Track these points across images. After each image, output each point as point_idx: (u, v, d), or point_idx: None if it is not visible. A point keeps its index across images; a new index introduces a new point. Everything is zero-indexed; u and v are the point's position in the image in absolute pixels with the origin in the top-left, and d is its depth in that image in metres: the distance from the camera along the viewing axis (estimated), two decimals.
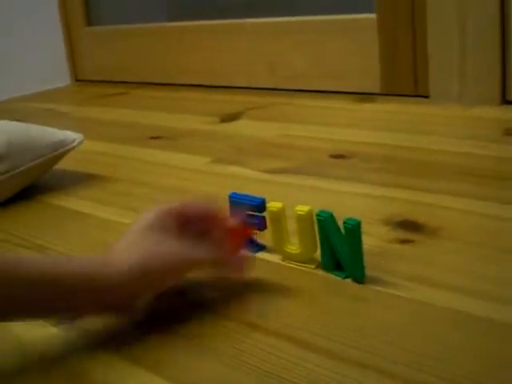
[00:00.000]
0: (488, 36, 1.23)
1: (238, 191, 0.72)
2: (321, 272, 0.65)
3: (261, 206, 0.68)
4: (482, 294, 0.58)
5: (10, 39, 1.91)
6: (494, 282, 0.60)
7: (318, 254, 0.66)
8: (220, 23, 1.71)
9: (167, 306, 0.62)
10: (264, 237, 0.70)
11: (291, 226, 0.66)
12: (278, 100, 1.50)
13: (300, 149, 1.10)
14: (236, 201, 0.71)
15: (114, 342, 0.57)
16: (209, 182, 0.98)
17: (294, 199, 0.68)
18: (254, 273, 0.64)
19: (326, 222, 0.63)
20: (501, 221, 0.74)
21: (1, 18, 1.91)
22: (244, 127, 1.30)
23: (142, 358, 0.54)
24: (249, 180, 0.96)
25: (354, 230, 0.60)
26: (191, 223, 0.62)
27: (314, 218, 0.64)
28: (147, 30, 1.88)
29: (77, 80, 2.10)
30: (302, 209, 0.64)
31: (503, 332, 0.52)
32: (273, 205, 0.67)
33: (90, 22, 2.04)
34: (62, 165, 1.05)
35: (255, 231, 0.69)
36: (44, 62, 2.00)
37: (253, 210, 0.69)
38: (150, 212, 0.61)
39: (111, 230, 0.82)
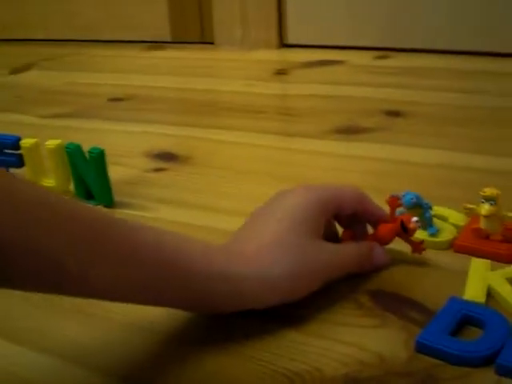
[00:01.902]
0: None
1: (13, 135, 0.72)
2: None
3: (15, 143, 0.70)
4: (219, 209, 0.64)
5: None
6: (230, 199, 0.66)
7: (73, 185, 0.69)
8: None
9: None
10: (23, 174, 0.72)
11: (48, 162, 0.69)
12: (71, 51, 1.50)
13: (81, 95, 1.12)
14: None
15: None
16: None
17: (66, 140, 0.69)
18: None
19: (73, 153, 0.66)
20: (252, 147, 0.81)
21: None
22: (32, 78, 1.29)
23: None
24: (26, 125, 0.97)
25: (97, 158, 0.64)
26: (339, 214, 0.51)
27: (64, 151, 0.67)
28: None
29: None
30: (52, 143, 0.67)
31: None
32: (26, 141, 0.69)
33: None
34: None
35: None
36: None
37: (8, 147, 0.71)
38: (305, 198, 0.47)
39: None
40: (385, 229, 0.50)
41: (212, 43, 1.39)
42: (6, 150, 0.71)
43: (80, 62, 1.40)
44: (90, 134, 0.90)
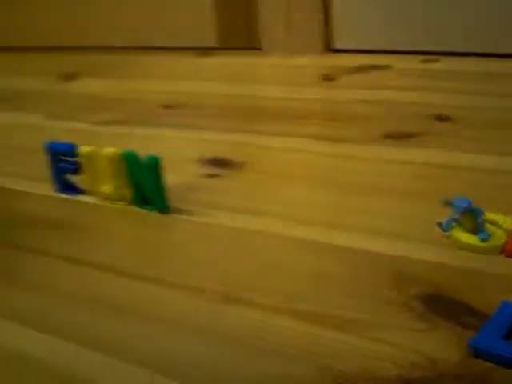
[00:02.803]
0: None
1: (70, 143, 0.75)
2: (132, 208, 0.71)
3: (72, 150, 0.73)
4: (274, 215, 0.66)
5: None
6: (285, 205, 0.68)
7: (129, 191, 0.71)
8: None
9: None
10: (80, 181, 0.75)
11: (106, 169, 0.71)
12: (119, 58, 1.53)
13: (133, 102, 1.15)
14: (51, 149, 0.75)
15: None
16: (40, 136, 1.01)
17: (121, 147, 0.72)
18: (72, 213, 0.69)
19: (130, 160, 0.68)
20: (306, 154, 0.82)
21: None
22: (83, 85, 1.33)
23: None
24: (80, 132, 1.00)
25: (153, 165, 0.66)
26: None
27: (121, 158, 0.69)
28: None
29: None
30: (109, 150, 0.70)
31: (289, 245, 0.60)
32: (83, 149, 0.72)
33: None
34: None
35: None
36: None
37: (66, 155, 0.73)
38: None
39: None
40: None
41: (259, 49, 1.41)
42: (64, 157, 0.74)
43: (129, 69, 1.43)
44: (143, 141, 0.93)
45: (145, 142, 0.92)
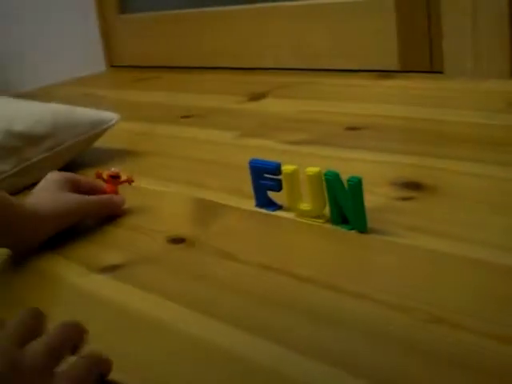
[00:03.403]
0: (499, 14, 1.30)
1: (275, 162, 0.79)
2: (330, 226, 0.74)
3: (277, 169, 0.77)
4: (467, 239, 0.67)
5: (49, 29, 2.02)
6: (483, 230, 0.68)
7: (327, 210, 0.75)
8: (248, 7, 1.79)
9: None
10: (280, 197, 0.79)
11: (304, 187, 0.75)
12: (301, 79, 1.58)
13: (318, 122, 1.19)
14: (255, 166, 0.80)
15: None
16: (236, 153, 1.07)
17: (310, 166, 0.75)
18: (271, 229, 0.74)
19: (332, 180, 0.71)
20: (497, 180, 0.82)
21: (39, 8, 2.01)
22: (269, 105, 1.39)
23: None
24: (272, 150, 1.05)
25: (355, 186, 0.69)
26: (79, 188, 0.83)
27: (323, 178, 0.73)
28: (176, 16, 1.97)
29: (111, 66, 2.21)
30: (312, 170, 0.73)
31: (484, 270, 0.61)
32: (287, 168, 0.76)
33: (123, 9, 2.14)
34: (100, 143, 1.14)
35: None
36: (81, 49, 2.11)
37: (270, 173, 0.78)
38: (51, 175, 0.82)
39: (147, 196, 0.92)
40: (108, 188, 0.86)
41: (441, 72, 1.41)
42: (266, 175, 0.79)
43: (311, 91, 1.47)
44: (332, 162, 0.95)
45: (333, 162, 0.94)
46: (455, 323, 0.53)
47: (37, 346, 0.45)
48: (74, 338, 0.49)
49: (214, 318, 0.59)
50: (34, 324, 0.48)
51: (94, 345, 0.50)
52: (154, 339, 0.57)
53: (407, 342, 0.52)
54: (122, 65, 2.17)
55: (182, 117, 1.38)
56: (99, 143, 1.14)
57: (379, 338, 0.53)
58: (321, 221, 0.75)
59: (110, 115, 1.14)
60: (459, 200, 0.77)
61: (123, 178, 0.88)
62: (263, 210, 0.81)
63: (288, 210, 0.79)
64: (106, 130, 1.13)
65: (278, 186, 0.78)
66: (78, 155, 1.12)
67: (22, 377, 0.43)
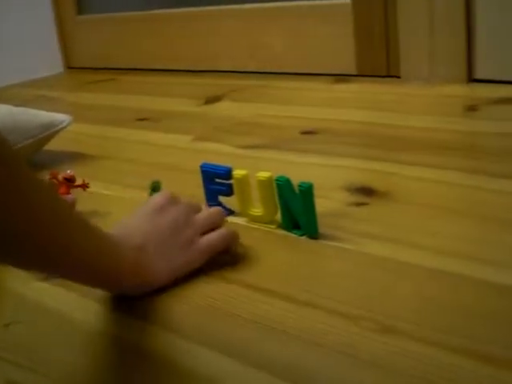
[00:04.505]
0: (455, 19, 1.30)
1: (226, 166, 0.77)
2: (281, 231, 0.73)
3: (227, 173, 0.76)
4: (420, 246, 0.66)
5: (4, 29, 1.98)
6: (434, 237, 0.68)
7: (278, 215, 0.73)
8: (205, 10, 1.78)
9: None
10: (232, 202, 0.78)
11: (256, 192, 0.74)
12: (257, 83, 1.57)
13: (273, 127, 1.18)
14: (206, 170, 0.78)
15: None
16: (190, 157, 1.06)
17: (263, 170, 0.74)
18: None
19: (283, 185, 0.70)
20: (450, 186, 0.81)
21: None
22: (224, 108, 1.37)
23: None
24: (226, 155, 1.04)
25: (306, 191, 0.68)
26: None
27: (274, 183, 0.71)
28: (134, 18, 1.95)
29: (69, 67, 2.17)
30: (263, 175, 0.72)
31: (435, 277, 0.60)
32: (238, 172, 0.75)
33: (80, 11, 2.11)
34: (52, 146, 1.12)
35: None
36: (38, 50, 2.07)
37: (220, 177, 0.77)
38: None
39: (99, 200, 0.89)
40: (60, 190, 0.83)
41: (398, 77, 1.41)
42: (218, 180, 0.77)
43: (267, 94, 1.47)
44: (285, 166, 0.95)
45: (286, 167, 0.94)
46: (404, 332, 0.52)
47: (201, 216, 0.68)
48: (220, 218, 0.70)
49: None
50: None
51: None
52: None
53: (350, 350, 0.50)
54: (79, 66, 2.14)
55: (137, 120, 1.36)
56: (52, 146, 1.12)
57: (321, 347, 0.51)
58: (272, 226, 0.74)
59: (61, 117, 1.12)
60: (412, 206, 0.77)
61: (78, 182, 0.85)
62: None
63: (240, 215, 0.77)
64: (57, 132, 1.11)
65: (228, 191, 0.77)
66: (28, 157, 1.09)
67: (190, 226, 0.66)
